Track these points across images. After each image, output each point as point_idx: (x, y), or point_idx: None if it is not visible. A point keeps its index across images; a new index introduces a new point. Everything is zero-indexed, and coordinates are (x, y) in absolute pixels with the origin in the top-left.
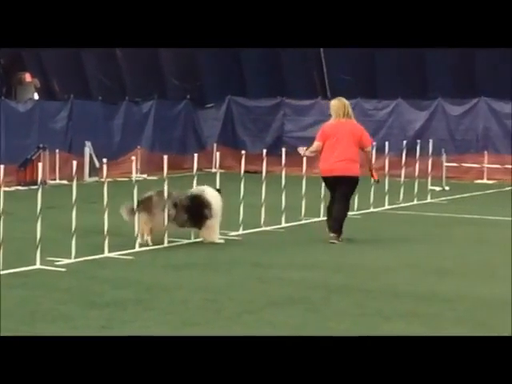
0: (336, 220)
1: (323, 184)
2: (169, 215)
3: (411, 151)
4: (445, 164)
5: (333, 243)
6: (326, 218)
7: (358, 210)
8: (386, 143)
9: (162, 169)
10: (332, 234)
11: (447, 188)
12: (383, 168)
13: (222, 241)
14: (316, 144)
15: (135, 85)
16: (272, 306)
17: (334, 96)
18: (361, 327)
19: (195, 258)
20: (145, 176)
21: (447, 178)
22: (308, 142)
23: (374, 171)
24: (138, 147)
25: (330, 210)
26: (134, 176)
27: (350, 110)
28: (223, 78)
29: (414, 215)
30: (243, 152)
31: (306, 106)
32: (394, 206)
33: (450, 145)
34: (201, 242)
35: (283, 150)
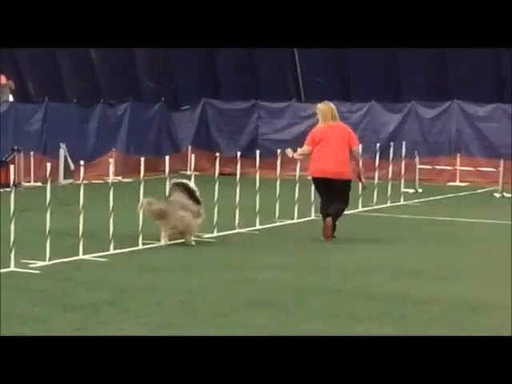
0: (332, 216)
1: (313, 185)
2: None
3: (384, 154)
4: (418, 166)
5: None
6: (321, 214)
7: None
8: (360, 146)
9: (136, 171)
10: (327, 221)
11: (420, 190)
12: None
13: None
14: (305, 148)
15: (110, 87)
16: (246, 307)
17: (307, 99)
18: (333, 328)
19: (170, 260)
20: (120, 178)
21: (420, 180)
22: (283, 144)
23: (362, 176)
24: (113, 149)
25: (322, 207)
26: (111, 178)
27: (336, 113)
28: (198, 81)
29: (388, 217)
30: (217, 154)
31: (280, 109)
32: (367, 208)
33: (423, 147)
34: (176, 244)
35: (257, 152)
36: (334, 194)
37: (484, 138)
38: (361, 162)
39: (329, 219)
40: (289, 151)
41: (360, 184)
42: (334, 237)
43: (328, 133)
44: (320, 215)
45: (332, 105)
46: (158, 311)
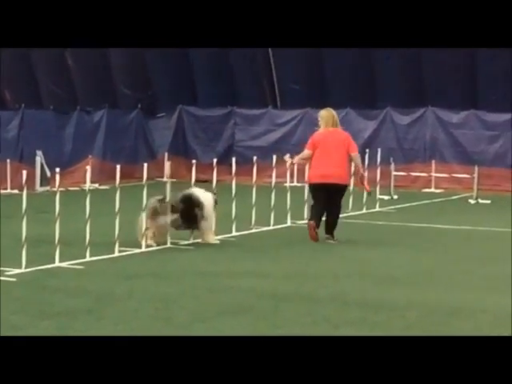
0: (330, 225)
1: (307, 190)
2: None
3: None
4: (393, 173)
5: (329, 243)
6: (309, 217)
7: (307, 218)
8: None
9: (113, 178)
10: (327, 236)
11: (395, 197)
12: None
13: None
14: (306, 152)
15: (86, 94)
16: (222, 314)
17: (284, 106)
18: (310, 335)
19: (146, 268)
20: (96, 185)
21: (395, 186)
22: (259, 151)
23: (365, 182)
24: (90, 156)
25: (315, 211)
26: (88, 185)
27: (338, 120)
28: (174, 88)
29: (363, 224)
30: (194, 161)
31: (256, 116)
32: (343, 215)
33: (399, 154)
34: (152, 252)
35: (233, 159)
36: (331, 198)
37: (458, 145)
38: (361, 169)
39: (312, 222)
40: (287, 157)
41: (365, 191)
42: (336, 240)
43: (328, 138)
44: (307, 221)
45: (334, 112)
46: (134, 318)
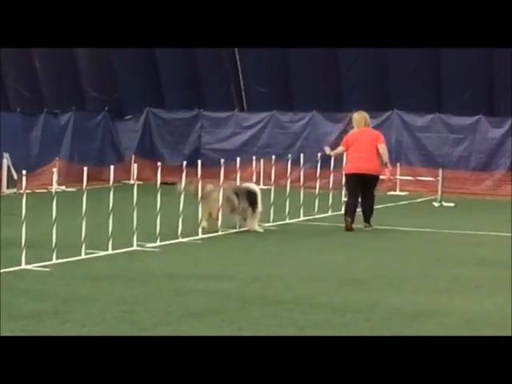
0: (367, 214)
1: (344, 181)
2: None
3: (326, 163)
4: None
5: (367, 230)
6: (344, 212)
7: (273, 221)
8: (301, 155)
9: (80, 180)
10: (365, 224)
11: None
12: (298, 180)
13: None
14: (340, 148)
15: (53, 96)
16: (188, 317)
17: (250, 108)
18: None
19: (112, 270)
20: (63, 188)
21: None
22: (226, 153)
23: (387, 171)
24: (57, 159)
25: (350, 203)
26: (55, 187)
27: (369, 121)
28: (141, 91)
29: (329, 226)
30: (159, 164)
31: (223, 119)
32: (309, 218)
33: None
34: (118, 254)
35: (199, 161)
36: (365, 188)
37: (423, 148)
38: (302, 172)
39: (348, 218)
40: (327, 149)
41: (386, 177)
42: (372, 227)
43: (361, 136)
44: (343, 215)
45: (365, 114)
46: (100, 321)
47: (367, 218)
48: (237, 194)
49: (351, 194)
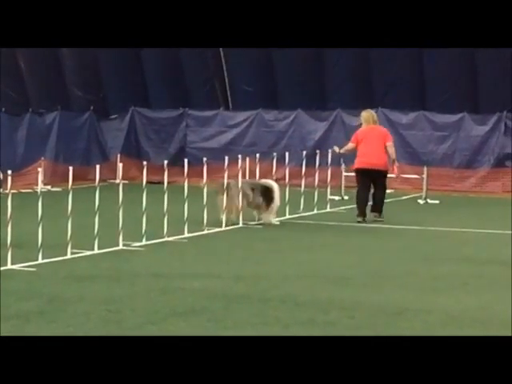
0: (377, 205)
1: (355, 175)
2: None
3: (311, 161)
4: (344, 174)
5: (376, 221)
6: (356, 204)
7: (258, 220)
8: (287, 154)
9: (66, 180)
10: (373, 214)
11: (346, 197)
12: (284, 178)
13: (277, 223)
14: (350, 145)
15: (38, 96)
16: (174, 316)
17: (235, 107)
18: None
19: (98, 270)
20: (49, 187)
21: (346, 187)
22: (211, 152)
23: (394, 166)
24: (42, 159)
25: (360, 197)
26: (40, 187)
27: (376, 118)
28: (126, 90)
29: (314, 224)
30: (145, 163)
31: (208, 117)
32: (294, 216)
33: (349, 155)
34: (104, 253)
35: (185, 160)
36: (374, 181)
37: (408, 146)
38: (287, 170)
39: (361, 206)
40: (336, 148)
41: (394, 174)
42: (383, 218)
43: (369, 133)
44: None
45: (373, 112)
46: (85, 321)
47: (377, 208)
48: (253, 190)
49: (361, 187)
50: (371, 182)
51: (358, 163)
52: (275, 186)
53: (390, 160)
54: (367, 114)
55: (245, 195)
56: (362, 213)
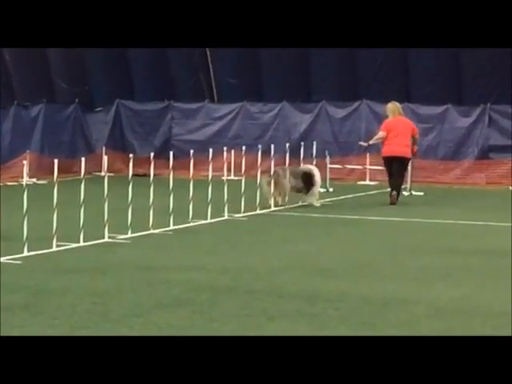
0: (394, 188)
1: (384, 162)
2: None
3: (296, 153)
4: (329, 166)
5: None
6: (389, 190)
7: (244, 211)
8: (272, 146)
9: (51, 172)
10: (393, 195)
11: (331, 189)
12: (269, 170)
13: (318, 204)
14: (381, 133)
15: (24, 89)
16: (159, 308)
17: (220, 99)
18: (246, 328)
19: (83, 262)
20: (34, 180)
21: (331, 179)
22: (196, 144)
23: (415, 149)
24: (27, 151)
25: (392, 185)
26: (25, 180)
27: (401, 110)
28: (111, 82)
29: (300, 216)
30: (131, 155)
31: (193, 110)
32: (279, 208)
33: (334, 147)
34: (89, 246)
35: (171, 153)
36: (396, 168)
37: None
38: (272, 162)
39: (394, 193)
40: (363, 143)
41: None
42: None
43: (398, 124)
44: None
45: (398, 104)
46: (71, 313)
47: (398, 194)
48: (295, 175)
49: (389, 173)
50: (394, 168)
51: (385, 151)
52: (316, 171)
53: (416, 145)
54: (393, 106)
55: (289, 181)
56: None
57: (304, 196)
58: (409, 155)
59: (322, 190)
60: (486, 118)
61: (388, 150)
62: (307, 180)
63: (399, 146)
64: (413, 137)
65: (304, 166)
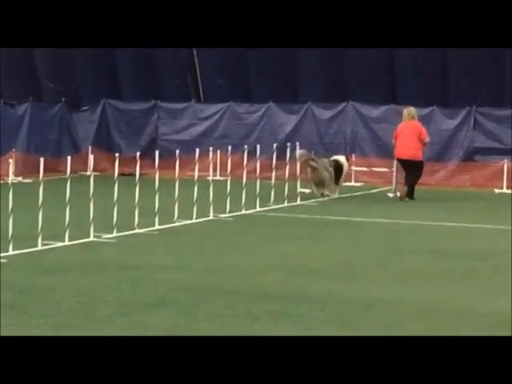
0: (408, 189)
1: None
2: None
3: (282, 154)
4: None
5: (402, 200)
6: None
7: (230, 212)
8: (258, 146)
9: (37, 171)
10: (405, 198)
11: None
12: (255, 171)
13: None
14: (393, 140)
15: (10, 87)
16: (145, 307)
17: (207, 99)
18: (231, 328)
19: (69, 261)
20: (20, 179)
21: None
22: (182, 144)
23: (424, 146)
24: (13, 150)
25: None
26: (11, 178)
27: (414, 114)
28: (98, 81)
29: (285, 217)
30: (117, 155)
31: (179, 110)
32: (265, 208)
33: (320, 148)
34: (75, 245)
35: (157, 152)
36: (410, 170)
37: (378, 139)
38: (258, 163)
39: (403, 187)
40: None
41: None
42: (407, 200)
43: (406, 129)
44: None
45: (411, 109)
46: (56, 312)
47: (408, 194)
48: (330, 165)
49: (404, 171)
50: (406, 170)
51: (395, 153)
52: (345, 163)
53: (424, 146)
54: (405, 111)
55: (327, 170)
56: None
57: (328, 187)
58: (418, 157)
59: (308, 191)
60: (472, 120)
61: (397, 153)
62: (337, 170)
63: (407, 149)
64: (421, 140)
65: (336, 157)
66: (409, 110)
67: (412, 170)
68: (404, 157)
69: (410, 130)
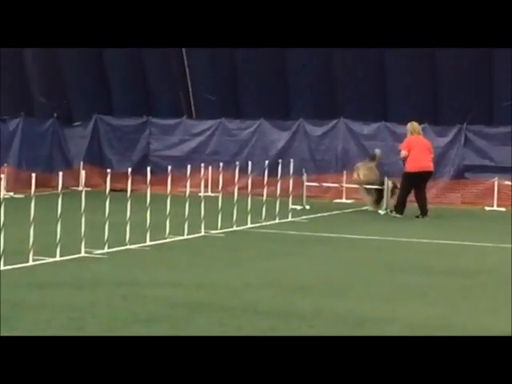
0: (423, 204)
1: (406, 178)
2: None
3: (273, 171)
4: (305, 183)
5: (417, 217)
6: (399, 205)
7: (221, 228)
8: (249, 163)
9: (28, 186)
10: (422, 215)
11: (308, 207)
12: (246, 187)
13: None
14: (404, 152)
15: (2, 102)
16: (135, 323)
17: (199, 116)
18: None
19: (60, 277)
20: (11, 194)
21: (308, 197)
22: (174, 160)
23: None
24: (5, 165)
25: (404, 201)
26: (3, 194)
27: (420, 129)
28: (90, 97)
29: (276, 233)
30: (109, 170)
31: (171, 126)
32: (256, 225)
33: (311, 164)
34: (66, 260)
35: (148, 168)
36: (422, 182)
37: (369, 156)
38: (250, 179)
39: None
40: (403, 153)
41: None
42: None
43: (417, 142)
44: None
45: (415, 124)
46: (47, 328)
47: (425, 210)
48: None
49: (406, 191)
50: (419, 183)
51: (412, 167)
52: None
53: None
54: (411, 126)
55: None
56: (402, 212)
57: (375, 203)
58: (432, 168)
59: (299, 208)
60: (462, 138)
61: (417, 166)
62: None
63: (428, 162)
64: (431, 153)
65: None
66: (414, 125)
67: (426, 183)
68: (427, 169)
69: (422, 144)
